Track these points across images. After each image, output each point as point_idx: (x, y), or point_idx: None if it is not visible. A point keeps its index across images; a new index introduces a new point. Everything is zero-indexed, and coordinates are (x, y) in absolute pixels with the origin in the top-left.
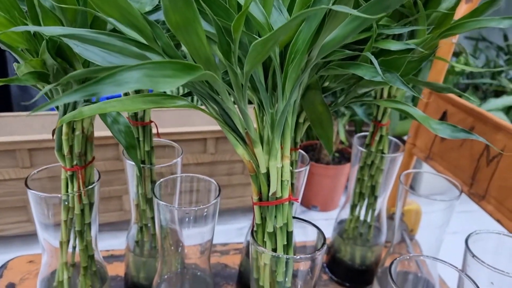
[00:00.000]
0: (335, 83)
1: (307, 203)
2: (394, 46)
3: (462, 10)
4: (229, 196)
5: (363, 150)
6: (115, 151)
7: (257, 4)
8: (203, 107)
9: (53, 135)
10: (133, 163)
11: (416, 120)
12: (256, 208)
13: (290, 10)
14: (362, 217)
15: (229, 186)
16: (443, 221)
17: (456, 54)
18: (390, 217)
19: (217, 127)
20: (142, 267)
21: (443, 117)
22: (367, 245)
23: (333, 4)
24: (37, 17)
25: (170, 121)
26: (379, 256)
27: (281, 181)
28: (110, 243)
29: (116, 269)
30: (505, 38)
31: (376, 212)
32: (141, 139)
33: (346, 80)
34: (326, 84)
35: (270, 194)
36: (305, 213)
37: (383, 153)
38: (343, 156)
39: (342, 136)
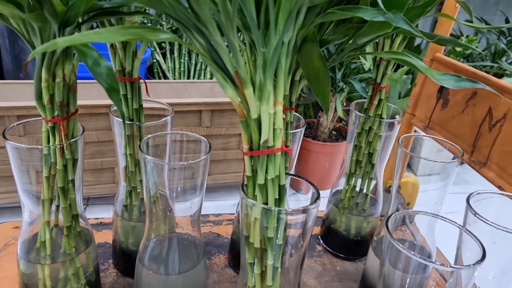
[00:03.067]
0: (333, 35)
1: None
2: None
3: None
4: (224, 172)
5: (361, 115)
6: (107, 121)
7: None
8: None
9: (24, 69)
10: (120, 120)
11: (419, 71)
12: (246, 158)
13: None
14: (358, 187)
15: (225, 161)
16: (440, 194)
17: (457, 38)
18: (387, 190)
19: (212, 99)
20: (130, 232)
21: (443, 87)
22: (363, 215)
23: None
24: None
25: (164, 93)
26: (374, 228)
27: (274, 129)
28: (101, 216)
29: (105, 236)
30: (507, 20)
31: (372, 183)
32: (129, 96)
33: (345, 31)
34: (324, 37)
35: (261, 142)
36: (300, 191)
37: (381, 118)
38: (340, 134)
39: (340, 112)
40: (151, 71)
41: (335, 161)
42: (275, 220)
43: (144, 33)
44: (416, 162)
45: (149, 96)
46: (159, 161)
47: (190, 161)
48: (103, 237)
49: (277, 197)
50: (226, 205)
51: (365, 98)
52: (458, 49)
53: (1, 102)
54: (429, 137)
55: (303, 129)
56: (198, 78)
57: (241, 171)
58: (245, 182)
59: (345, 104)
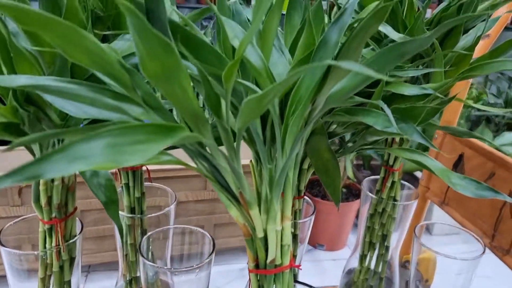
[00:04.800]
0: (342, 128)
1: (313, 242)
2: (409, 90)
3: (479, 46)
4: (230, 235)
5: (373, 196)
6: None
7: (254, 47)
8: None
9: (19, 194)
10: (121, 213)
11: (434, 174)
12: (252, 276)
13: (292, 49)
14: (372, 267)
15: (230, 225)
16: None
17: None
18: (403, 265)
19: None
20: None
21: (460, 161)
22: None
23: (341, 49)
24: (10, 58)
25: None
26: None
27: (281, 245)
28: (103, 284)
29: None
30: None
31: (387, 261)
32: (131, 184)
33: (354, 125)
34: (332, 128)
35: (268, 261)
36: (311, 252)
37: (395, 200)
38: (351, 192)
39: (350, 172)
40: None
41: (346, 221)
42: None
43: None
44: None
45: (151, 182)
46: (161, 267)
47: (193, 266)
48: None
49: None
50: (232, 269)
51: (376, 160)
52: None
53: None
54: (447, 224)
55: (312, 217)
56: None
57: None
58: None
59: (355, 161)
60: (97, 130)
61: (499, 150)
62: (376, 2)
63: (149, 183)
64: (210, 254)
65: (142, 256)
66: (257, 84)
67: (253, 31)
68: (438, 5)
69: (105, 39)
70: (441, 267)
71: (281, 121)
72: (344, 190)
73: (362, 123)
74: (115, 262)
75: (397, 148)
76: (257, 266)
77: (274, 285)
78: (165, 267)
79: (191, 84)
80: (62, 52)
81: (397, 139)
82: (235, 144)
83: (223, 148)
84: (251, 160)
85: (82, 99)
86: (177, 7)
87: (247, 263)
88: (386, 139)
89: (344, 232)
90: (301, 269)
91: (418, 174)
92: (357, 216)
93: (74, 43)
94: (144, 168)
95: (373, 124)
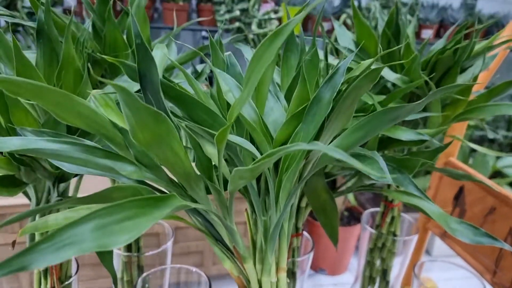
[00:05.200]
0: (339, 169)
1: (314, 266)
2: (405, 135)
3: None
4: None
5: (373, 231)
6: None
7: (249, 102)
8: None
9: (13, 246)
10: (117, 251)
11: (432, 219)
12: None
13: (288, 95)
14: None
15: None
16: None
17: None
18: None
19: None
20: None
21: (460, 194)
22: None
23: (334, 106)
24: (6, 108)
25: None
26: None
27: None
28: None
29: None
30: None
31: None
32: None
33: (350, 168)
34: (329, 169)
35: None
36: (312, 277)
37: (395, 235)
38: (353, 216)
39: (352, 200)
40: None
41: (348, 245)
42: None
43: None
44: (432, 244)
45: None
46: None
47: None
48: None
49: None
50: None
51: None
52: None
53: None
54: (447, 262)
55: (311, 254)
56: None
57: None
58: None
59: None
60: (84, 215)
61: (502, 173)
62: (368, 61)
63: None
64: None
65: None
66: (251, 138)
67: (246, 96)
68: (438, 29)
69: (101, 82)
70: None
71: (275, 175)
72: (345, 213)
73: None
74: None
75: (395, 190)
76: None
77: None
78: None
79: (183, 145)
80: (56, 117)
81: None
82: (227, 203)
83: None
84: (246, 209)
85: (74, 160)
86: None
87: None
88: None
89: (345, 256)
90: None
91: None
92: (359, 240)
93: (67, 109)
94: None
95: (368, 173)
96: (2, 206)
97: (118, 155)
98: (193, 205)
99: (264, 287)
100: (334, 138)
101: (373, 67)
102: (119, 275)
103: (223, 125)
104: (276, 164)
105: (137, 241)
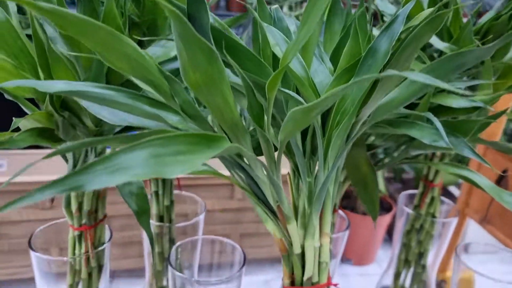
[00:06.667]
0: (382, 140)
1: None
2: (457, 102)
3: None
4: (255, 246)
5: (411, 212)
6: None
7: (296, 56)
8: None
9: (52, 202)
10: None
11: (485, 191)
12: None
13: (334, 57)
14: (407, 286)
15: (256, 235)
16: None
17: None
18: (439, 285)
19: None
20: None
21: (502, 176)
22: None
23: (390, 58)
24: (47, 64)
25: None
26: None
27: (319, 263)
28: None
29: None
30: None
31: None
32: (160, 192)
33: (395, 138)
34: (371, 140)
35: (305, 278)
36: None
37: (433, 217)
38: (382, 206)
39: (382, 187)
40: None
41: (376, 235)
42: None
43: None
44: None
45: (181, 191)
46: (190, 278)
47: (223, 278)
48: None
49: None
50: (257, 281)
51: (407, 173)
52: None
53: (36, 176)
54: (490, 244)
55: (347, 232)
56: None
57: (274, 245)
58: None
59: (386, 174)
60: (139, 140)
61: None
62: (429, 10)
63: (177, 191)
64: (241, 268)
65: (172, 266)
66: (298, 94)
67: (300, 41)
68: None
69: (139, 45)
70: None
71: (323, 132)
72: None
73: (404, 135)
74: (140, 268)
75: (442, 163)
76: (292, 283)
77: None
78: (194, 279)
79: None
80: (101, 58)
81: (438, 153)
82: (276, 155)
83: (262, 159)
84: (288, 172)
85: (119, 105)
86: None
87: (282, 279)
88: (426, 154)
89: (373, 246)
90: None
91: (452, 189)
92: (387, 232)
93: (113, 49)
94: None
95: (420, 138)
96: (23, 182)
97: (163, 104)
98: (243, 149)
99: (307, 252)
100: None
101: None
102: (149, 246)
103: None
104: (324, 122)
105: (169, 212)
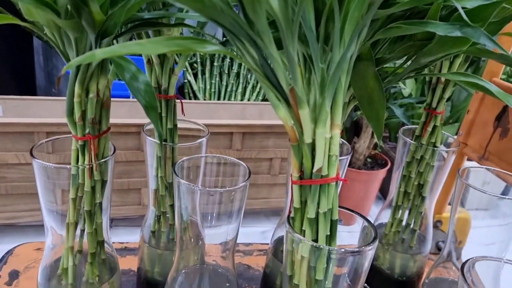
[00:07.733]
0: (390, 53)
1: None
2: (471, 2)
3: None
4: (253, 197)
5: (412, 142)
6: (136, 140)
7: None
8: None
9: (57, 83)
10: (153, 140)
11: (495, 97)
12: (295, 188)
13: None
14: (405, 221)
15: (254, 186)
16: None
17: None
18: (434, 225)
19: (243, 121)
20: (157, 261)
21: (503, 113)
22: (409, 253)
23: None
24: None
25: (195, 114)
26: (421, 268)
27: (329, 156)
28: (125, 239)
29: (129, 263)
30: None
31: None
32: (163, 114)
33: (405, 50)
34: (380, 55)
35: (314, 171)
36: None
37: (435, 146)
38: (376, 162)
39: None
40: (182, 91)
41: (370, 189)
42: (325, 261)
43: (190, 44)
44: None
45: (184, 115)
46: (195, 186)
47: (229, 188)
48: (128, 263)
49: (328, 233)
50: (253, 232)
51: (405, 124)
52: None
53: (31, 118)
54: (492, 169)
55: (349, 157)
56: (229, 99)
57: (271, 197)
58: (292, 215)
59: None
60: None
61: None
62: None
63: (182, 119)
64: (247, 179)
65: (176, 175)
66: None
67: None
68: None
69: None
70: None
71: (339, 7)
72: (369, 160)
73: (414, 45)
74: (138, 217)
75: (451, 72)
76: (301, 177)
77: (318, 198)
78: (200, 187)
79: None
80: None
81: (443, 79)
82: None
83: None
84: (299, 64)
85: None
86: None
87: (291, 175)
88: (433, 74)
89: (367, 201)
90: (347, 183)
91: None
92: (380, 190)
93: None
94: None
95: (435, 30)
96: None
97: None
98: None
99: (317, 142)
100: None
101: None
102: (153, 172)
103: None
104: None
105: (172, 136)
